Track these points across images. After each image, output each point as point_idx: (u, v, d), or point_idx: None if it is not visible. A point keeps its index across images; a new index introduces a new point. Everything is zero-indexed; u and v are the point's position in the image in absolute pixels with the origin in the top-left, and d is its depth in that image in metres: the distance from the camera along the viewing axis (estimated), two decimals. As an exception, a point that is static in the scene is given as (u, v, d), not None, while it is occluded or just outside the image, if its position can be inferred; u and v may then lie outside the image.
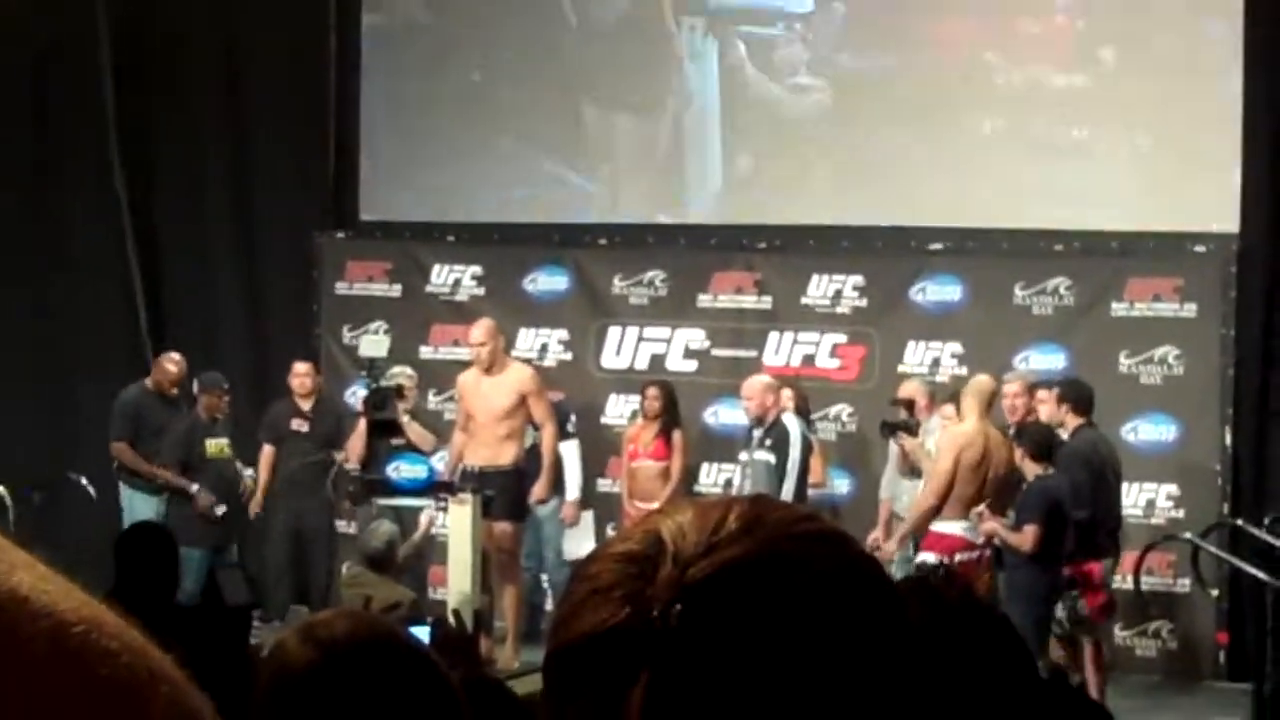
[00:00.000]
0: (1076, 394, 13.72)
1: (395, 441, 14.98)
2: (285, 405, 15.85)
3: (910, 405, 14.39)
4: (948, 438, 13.62)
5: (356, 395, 16.31)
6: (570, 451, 15.18)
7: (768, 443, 14.55)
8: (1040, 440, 13.26)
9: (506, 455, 14.47)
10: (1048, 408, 13.78)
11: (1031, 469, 13.08)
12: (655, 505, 13.47)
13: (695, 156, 17.25)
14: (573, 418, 15.50)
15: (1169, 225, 15.70)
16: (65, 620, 1.00)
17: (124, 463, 15.63)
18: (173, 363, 15.74)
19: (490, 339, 14.65)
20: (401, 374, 15.28)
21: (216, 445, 15.32)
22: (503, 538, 14.37)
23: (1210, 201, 15.62)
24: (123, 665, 1.00)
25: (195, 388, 15.71)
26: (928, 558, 12.61)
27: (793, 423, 14.67)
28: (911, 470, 14.37)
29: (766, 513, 1.52)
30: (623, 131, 17.39)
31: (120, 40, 17.78)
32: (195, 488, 15.36)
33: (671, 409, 15.19)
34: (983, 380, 14.15)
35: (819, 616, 1.47)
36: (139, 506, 15.53)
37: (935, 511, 13.26)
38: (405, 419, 14.67)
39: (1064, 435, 13.55)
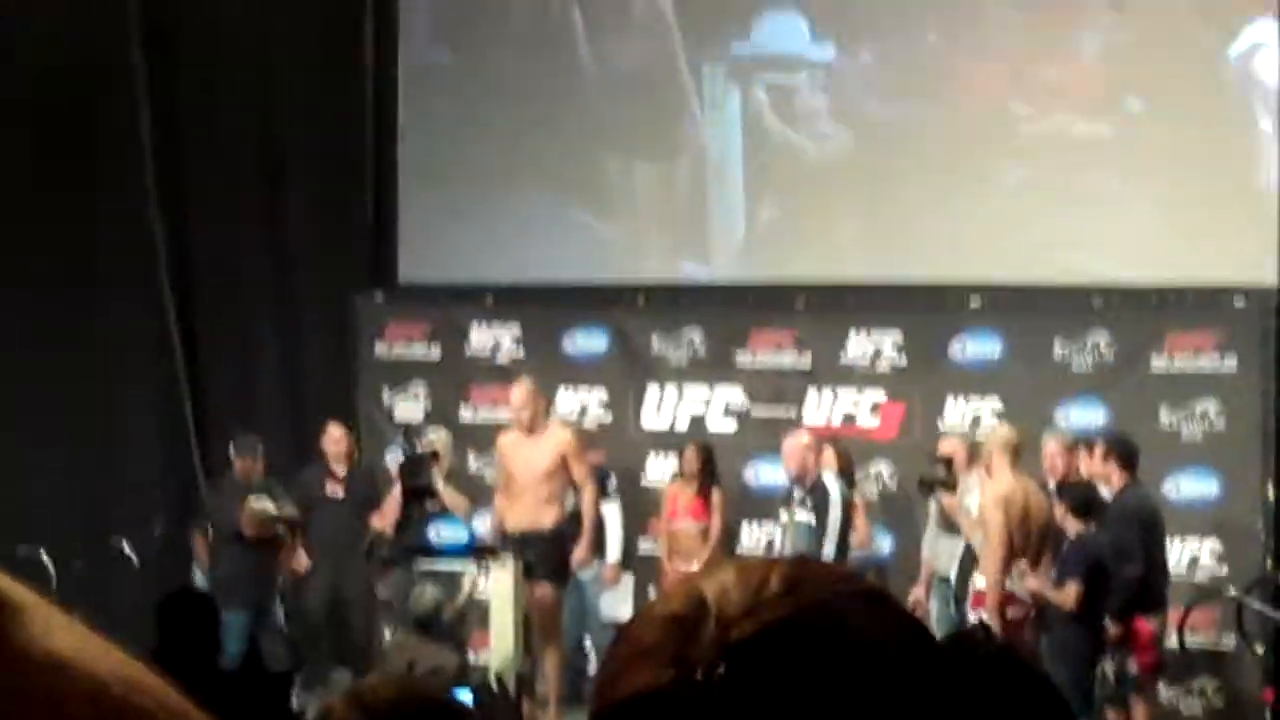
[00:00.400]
0: (1124, 450, 13.69)
1: (429, 506, 14.97)
2: (318, 470, 15.87)
3: (949, 462, 14.45)
4: (990, 494, 13.54)
5: (394, 458, 16.19)
6: (611, 513, 15.26)
7: (808, 503, 14.64)
8: (1082, 497, 13.42)
9: (547, 518, 14.54)
10: (1093, 463, 13.82)
11: (1074, 526, 13.11)
12: (695, 566, 13.62)
13: (718, 206, 17.26)
14: (613, 479, 15.52)
15: (1207, 277, 15.55)
16: (104, 681, 1.02)
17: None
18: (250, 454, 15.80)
19: (530, 401, 14.74)
20: (437, 439, 15.30)
21: (259, 507, 15.34)
22: (544, 600, 14.43)
23: (1248, 253, 15.41)
24: None
25: (231, 451, 15.73)
26: (981, 614, 12.61)
27: (833, 483, 14.77)
28: (950, 527, 14.35)
29: (808, 573, 1.52)
30: (645, 181, 17.36)
31: (156, 106, 17.76)
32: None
33: (710, 468, 15.15)
34: (1005, 432, 14.33)
35: (863, 676, 1.46)
36: None
37: (1007, 573, 13.27)
38: (440, 484, 14.69)
39: (1108, 492, 13.56)
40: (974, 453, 14.47)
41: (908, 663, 1.49)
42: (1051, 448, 14.19)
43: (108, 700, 1.01)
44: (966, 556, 13.98)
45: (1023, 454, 14.25)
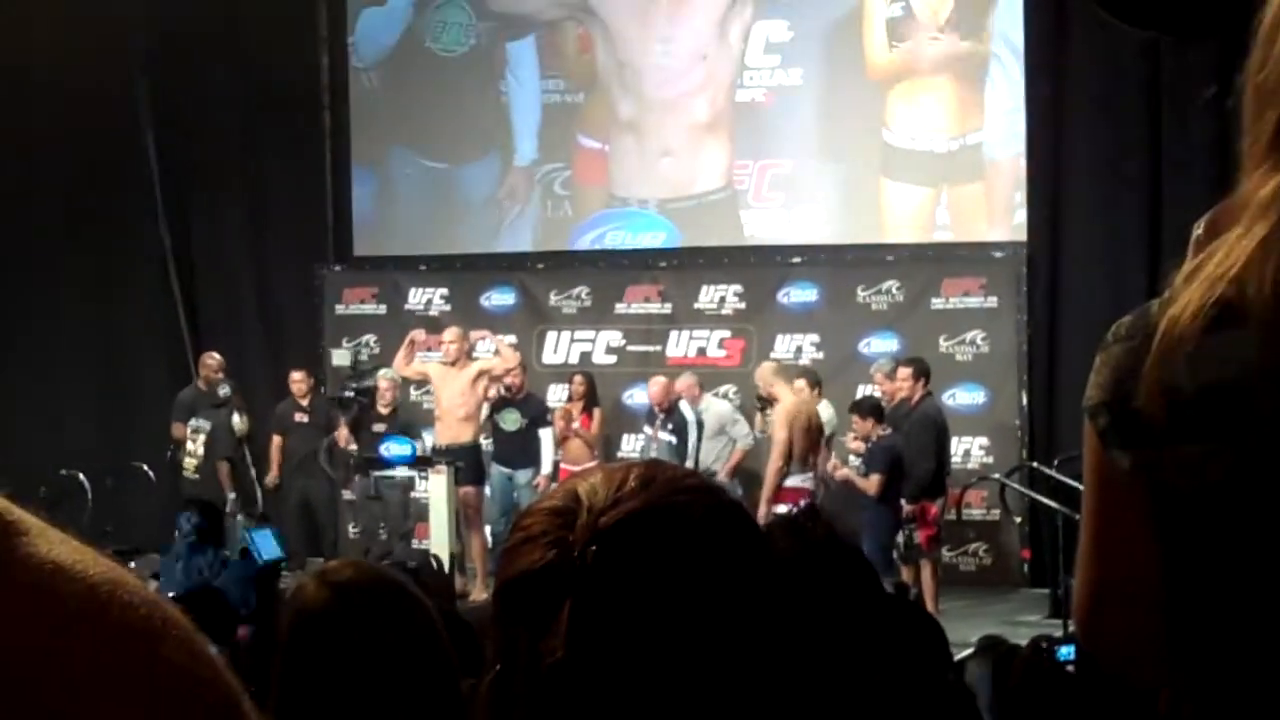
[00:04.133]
0: (920, 367, 13.88)
1: (377, 428, 14.96)
2: (289, 403, 15.85)
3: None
4: (778, 413, 13.66)
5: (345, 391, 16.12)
6: (546, 436, 15.04)
7: (669, 426, 14.63)
8: (877, 408, 13.45)
9: (467, 433, 14.49)
10: (898, 381, 13.85)
11: (876, 430, 13.24)
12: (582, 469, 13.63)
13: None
14: (547, 412, 15.41)
15: (973, 234, 15.75)
16: (94, 582, 1.01)
17: (177, 438, 15.70)
18: (211, 358, 15.81)
19: (457, 340, 14.69)
20: (383, 375, 15.31)
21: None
22: (468, 498, 14.38)
23: (1002, 216, 15.68)
24: (140, 614, 1.02)
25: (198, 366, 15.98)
26: (780, 508, 12.07)
27: (688, 410, 14.72)
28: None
29: (659, 473, 1.55)
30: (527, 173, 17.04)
31: (160, 114, 17.67)
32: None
33: (593, 394, 15.18)
34: (765, 366, 14.43)
35: (701, 552, 1.50)
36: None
37: (783, 472, 13.28)
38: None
39: (913, 401, 13.61)
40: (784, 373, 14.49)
41: (735, 539, 1.54)
42: (878, 376, 14.24)
43: (98, 596, 1.01)
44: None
45: (824, 378, 14.50)
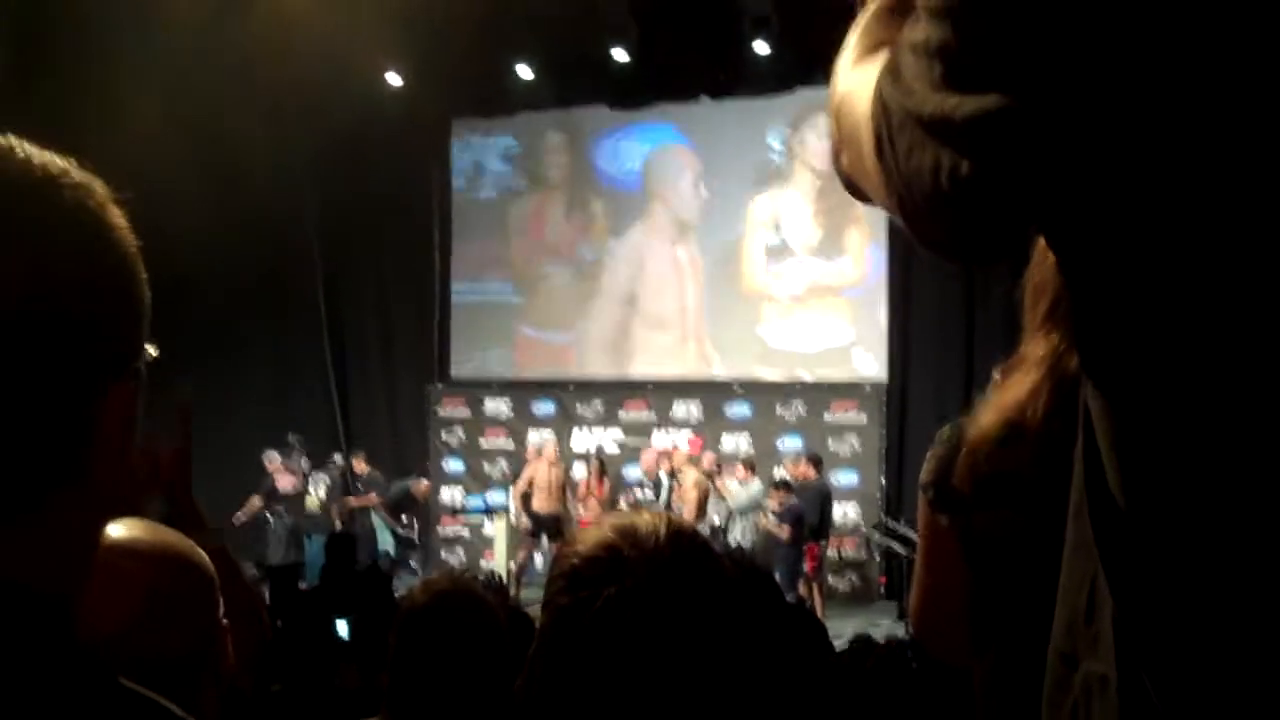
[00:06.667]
0: (816, 458, 14.48)
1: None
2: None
3: (672, 472, 14.54)
4: (689, 483, 14.16)
5: (448, 466, 16.84)
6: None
7: (650, 489, 14.91)
8: (787, 485, 14.05)
9: (551, 508, 14.98)
10: (799, 466, 14.30)
11: (787, 499, 13.79)
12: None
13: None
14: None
15: (851, 374, 15.97)
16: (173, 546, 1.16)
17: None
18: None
19: (554, 452, 15.35)
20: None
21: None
22: (528, 543, 14.79)
23: (872, 359, 15.90)
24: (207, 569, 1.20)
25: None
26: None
27: (664, 479, 14.87)
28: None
29: (678, 524, 1.55)
30: (577, 308, 16.87)
31: (327, 274, 17.50)
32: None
33: (604, 470, 15.40)
34: (683, 454, 14.87)
35: (717, 585, 1.52)
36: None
37: (697, 521, 13.25)
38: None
39: (810, 479, 14.02)
40: (751, 465, 14.53)
41: (715, 565, 1.55)
42: (788, 462, 14.68)
43: (172, 557, 1.12)
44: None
45: (756, 463, 14.77)
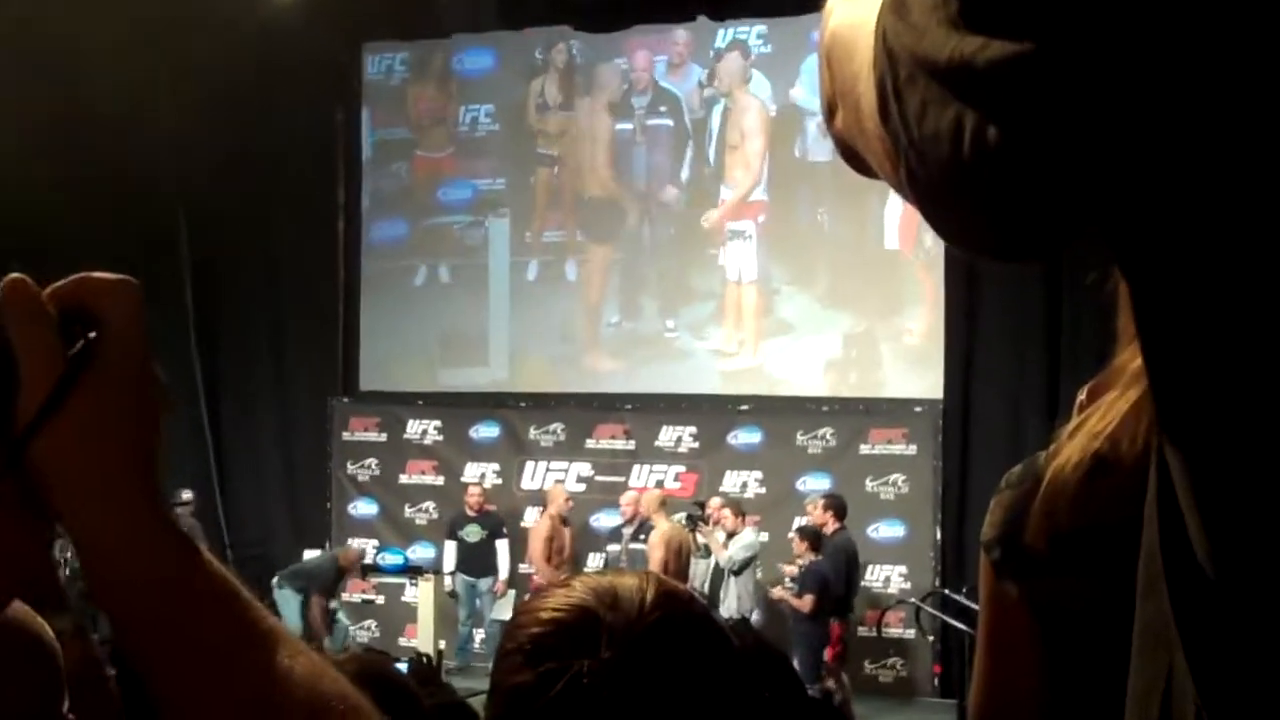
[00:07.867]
0: (838, 505, 13.75)
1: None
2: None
3: (702, 506, 14.28)
4: (656, 536, 13.68)
5: (357, 509, 16.11)
6: (502, 547, 15.04)
7: (641, 537, 14.37)
8: (816, 535, 13.35)
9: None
10: (818, 514, 13.71)
11: (809, 556, 13.15)
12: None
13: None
14: (504, 526, 15.36)
15: (898, 393, 15.66)
16: (329, 692, 1.06)
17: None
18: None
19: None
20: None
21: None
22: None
23: (926, 375, 15.53)
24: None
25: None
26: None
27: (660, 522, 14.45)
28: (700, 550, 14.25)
29: (666, 585, 1.55)
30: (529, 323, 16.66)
31: (196, 259, 17.29)
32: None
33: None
34: (654, 495, 14.36)
35: (712, 649, 1.49)
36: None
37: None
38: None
39: (829, 533, 13.49)
40: (739, 510, 14.27)
41: (726, 642, 1.52)
42: (810, 508, 14.07)
43: (328, 699, 1.05)
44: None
45: (764, 510, 14.60)
